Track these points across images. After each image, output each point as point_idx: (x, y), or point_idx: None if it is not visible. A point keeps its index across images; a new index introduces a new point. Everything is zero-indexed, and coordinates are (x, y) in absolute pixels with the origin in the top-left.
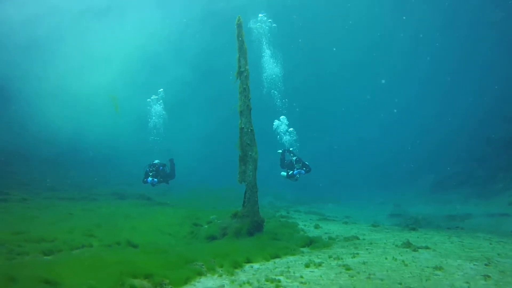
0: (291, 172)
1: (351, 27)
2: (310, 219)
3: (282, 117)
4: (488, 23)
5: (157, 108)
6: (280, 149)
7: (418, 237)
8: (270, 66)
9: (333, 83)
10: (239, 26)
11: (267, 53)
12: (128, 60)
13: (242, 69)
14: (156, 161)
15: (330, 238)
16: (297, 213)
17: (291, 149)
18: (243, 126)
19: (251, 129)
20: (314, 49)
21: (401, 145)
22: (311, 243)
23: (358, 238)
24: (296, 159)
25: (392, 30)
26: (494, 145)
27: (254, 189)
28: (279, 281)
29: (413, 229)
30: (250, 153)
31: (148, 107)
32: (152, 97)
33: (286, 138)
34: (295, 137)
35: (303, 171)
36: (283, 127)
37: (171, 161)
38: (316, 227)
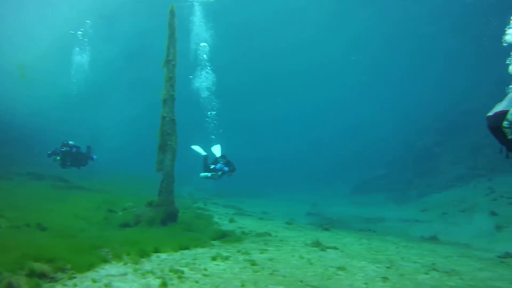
0: (213, 166)
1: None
2: (227, 213)
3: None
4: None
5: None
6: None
7: (329, 237)
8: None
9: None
10: (172, 13)
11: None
12: (56, 34)
13: (170, 58)
14: (71, 142)
15: (243, 232)
16: (214, 205)
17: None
18: (165, 115)
19: (172, 119)
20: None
21: (333, 146)
22: (223, 236)
23: (270, 235)
24: (221, 156)
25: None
26: (415, 153)
27: (171, 179)
28: (182, 272)
29: (326, 229)
30: (169, 142)
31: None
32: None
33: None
34: (214, 123)
35: (226, 168)
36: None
37: (88, 148)
38: (231, 221)
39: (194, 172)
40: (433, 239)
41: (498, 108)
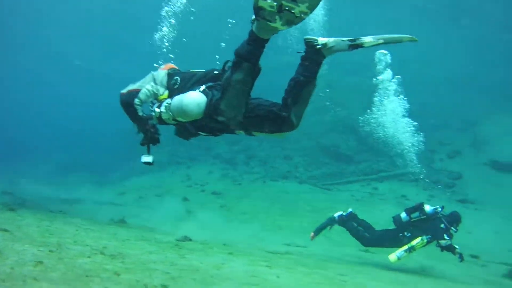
0: None
1: None
2: None
3: None
4: None
5: None
6: None
7: (8, 219)
8: None
9: None
10: None
11: None
12: None
13: None
14: None
15: None
16: None
17: None
18: None
19: None
20: None
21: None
22: None
23: None
24: None
25: None
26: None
27: None
28: None
29: (12, 209)
30: None
31: None
32: None
33: None
34: None
35: None
36: None
37: None
38: None
39: None
40: (122, 222)
41: (132, 87)
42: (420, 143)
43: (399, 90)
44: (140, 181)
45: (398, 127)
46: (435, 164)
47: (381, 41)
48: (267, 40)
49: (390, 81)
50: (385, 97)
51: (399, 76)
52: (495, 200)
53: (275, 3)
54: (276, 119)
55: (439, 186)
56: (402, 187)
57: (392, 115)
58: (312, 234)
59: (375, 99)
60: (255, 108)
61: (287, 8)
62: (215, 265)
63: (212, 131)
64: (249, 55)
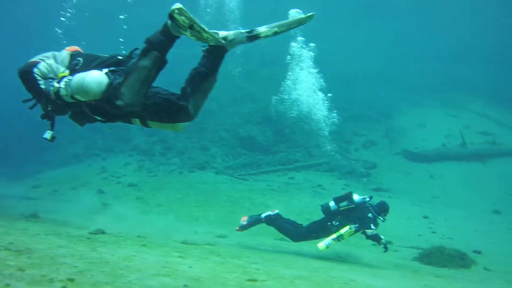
0: None
1: None
2: None
3: None
4: None
5: None
6: None
7: None
8: None
9: None
10: None
11: None
12: None
13: None
14: None
15: None
16: None
17: None
18: None
19: None
20: None
21: None
22: None
23: None
24: None
25: None
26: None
27: None
28: None
29: None
30: None
31: None
32: None
33: None
34: None
35: None
36: None
37: None
38: None
39: None
40: (34, 216)
41: (31, 59)
42: (335, 121)
43: (312, 62)
44: (55, 174)
45: (313, 103)
46: (351, 154)
47: (275, 29)
48: (178, 37)
49: (305, 48)
50: (299, 70)
51: (313, 44)
52: (407, 188)
53: (187, 21)
54: (174, 108)
55: (354, 176)
56: (318, 177)
57: (307, 91)
58: (238, 228)
59: (289, 73)
60: (153, 96)
61: (197, 29)
62: (127, 257)
63: (108, 117)
64: (160, 45)
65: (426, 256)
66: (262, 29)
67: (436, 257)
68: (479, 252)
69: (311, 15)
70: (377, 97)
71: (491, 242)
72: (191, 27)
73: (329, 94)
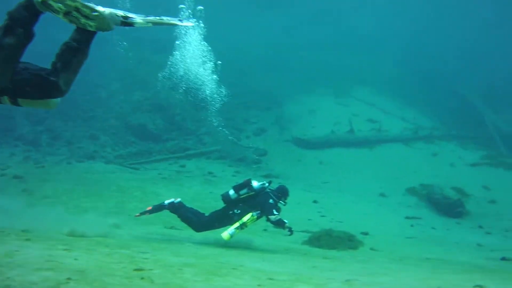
0: None
1: None
2: None
3: None
4: None
5: None
6: None
7: None
8: None
9: None
10: None
11: None
12: None
13: None
14: None
15: None
16: None
17: None
18: None
19: None
20: None
21: None
22: None
23: None
24: None
25: None
26: None
27: None
28: None
29: None
30: None
31: None
32: None
33: None
34: None
35: None
36: None
37: None
38: None
39: None
40: None
41: None
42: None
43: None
44: None
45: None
46: (242, 142)
47: (150, 24)
48: (43, 13)
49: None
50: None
51: (202, 7)
52: (297, 174)
53: (64, 8)
54: (44, 83)
55: (245, 163)
56: (209, 164)
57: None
58: (137, 214)
59: (177, 42)
60: (21, 71)
61: (74, 16)
62: (8, 253)
63: None
64: (25, 22)
65: (316, 239)
66: (138, 20)
67: (325, 240)
68: (366, 234)
69: (189, 24)
70: (270, 86)
71: (378, 223)
72: (67, 13)
73: (219, 62)
